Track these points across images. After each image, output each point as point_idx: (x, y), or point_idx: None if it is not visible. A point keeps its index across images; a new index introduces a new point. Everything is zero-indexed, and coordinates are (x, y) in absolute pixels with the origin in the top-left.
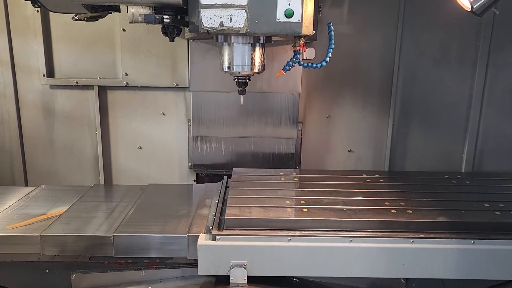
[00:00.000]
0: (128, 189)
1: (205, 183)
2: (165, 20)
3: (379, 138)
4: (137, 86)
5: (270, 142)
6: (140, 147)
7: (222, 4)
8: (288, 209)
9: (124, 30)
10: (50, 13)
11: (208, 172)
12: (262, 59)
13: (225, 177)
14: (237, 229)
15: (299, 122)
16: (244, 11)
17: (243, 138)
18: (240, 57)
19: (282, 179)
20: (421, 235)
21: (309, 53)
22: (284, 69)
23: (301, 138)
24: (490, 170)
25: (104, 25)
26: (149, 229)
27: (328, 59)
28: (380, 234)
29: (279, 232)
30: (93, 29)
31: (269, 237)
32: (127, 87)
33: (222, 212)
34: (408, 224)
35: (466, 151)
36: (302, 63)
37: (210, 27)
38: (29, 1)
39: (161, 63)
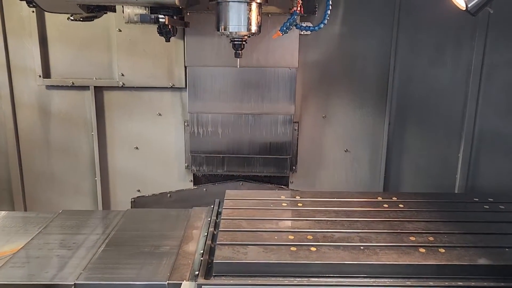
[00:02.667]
0: (102, 216)
1: (193, 208)
2: (160, 20)
3: (375, 138)
4: (133, 87)
5: (267, 119)
6: (137, 148)
7: None
8: (292, 247)
9: (120, 30)
10: (46, 13)
11: (205, 173)
12: (258, 19)
13: (216, 201)
14: (230, 276)
15: (295, 122)
16: None
17: (240, 115)
18: (236, 17)
19: (283, 204)
20: (459, 283)
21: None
22: (281, 29)
23: (298, 138)
24: (485, 169)
25: (100, 26)
26: (121, 274)
27: (325, 21)
28: (407, 283)
29: (281, 280)
30: (89, 30)
31: (270, 287)
32: (123, 88)
33: (211, 251)
34: (441, 268)
35: (462, 151)
36: (299, 25)
37: None
38: (25, 1)
39: (157, 63)
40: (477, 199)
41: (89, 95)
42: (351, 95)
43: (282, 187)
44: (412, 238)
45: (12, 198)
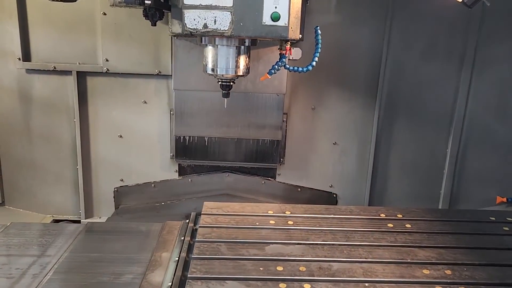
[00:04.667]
0: (59, 231)
1: (166, 222)
2: (146, 2)
3: (364, 131)
4: (118, 73)
5: (254, 143)
6: (121, 136)
7: (206, 5)
8: (281, 284)
9: (105, 14)
10: None
11: (191, 163)
12: (247, 62)
13: (193, 214)
14: None
15: (284, 114)
16: (229, 13)
17: (226, 139)
18: (224, 60)
19: (271, 221)
20: None
21: (295, 54)
22: (270, 72)
23: (286, 129)
24: (473, 165)
25: (83, 8)
26: None
27: (314, 63)
28: None
29: None
30: (72, 12)
31: None
32: (107, 74)
33: (181, 285)
34: None
35: (451, 146)
36: (288, 66)
37: (194, 29)
38: None
39: (144, 49)
40: (493, 218)
41: (71, 81)
42: (341, 87)
43: (268, 179)
44: (426, 272)
45: None
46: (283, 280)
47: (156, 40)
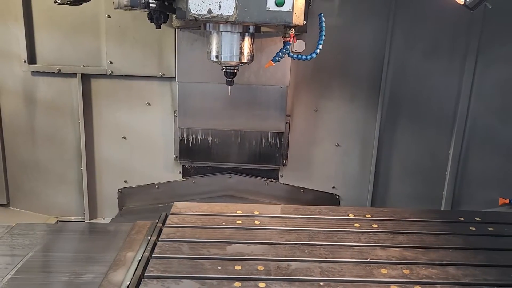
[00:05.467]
0: (26, 231)
1: (136, 222)
2: (151, 5)
3: (367, 132)
4: (122, 75)
5: (257, 135)
6: (124, 138)
7: None
8: (236, 283)
9: (109, 16)
10: None
11: (194, 165)
12: (251, 49)
13: (163, 214)
14: None
15: (287, 115)
16: None
17: (230, 131)
18: (228, 47)
19: (237, 221)
20: None
21: (299, 46)
22: (274, 59)
23: (289, 131)
24: (475, 166)
25: (88, 11)
26: None
27: (318, 50)
28: None
29: None
30: (77, 15)
31: None
32: (111, 76)
33: (139, 284)
34: None
35: (453, 147)
36: (292, 54)
37: (198, 14)
38: None
39: (147, 51)
40: (462, 219)
41: (76, 83)
42: (343, 89)
43: (271, 180)
44: (384, 271)
45: None
46: (238, 279)
47: (160, 43)
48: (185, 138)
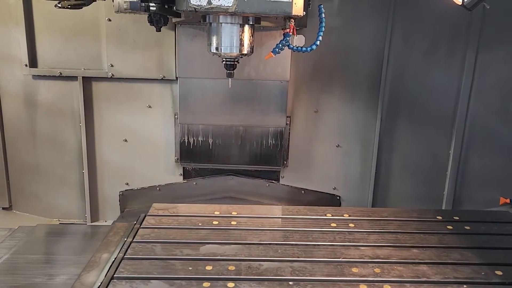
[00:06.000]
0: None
1: (115, 223)
2: (151, 8)
3: (367, 133)
4: (123, 78)
5: (257, 136)
6: (126, 140)
7: None
8: (205, 283)
9: (109, 20)
10: (33, 1)
11: (195, 166)
12: (251, 40)
13: (141, 216)
14: None
15: (287, 117)
16: None
17: (230, 126)
18: (228, 38)
19: (214, 222)
20: None
21: (299, 41)
22: (274, 51)
23: (289, 132)
24: (476, 166)
25: (88, 15)
26: None
27: (318, 42)
28: None
29: None
30: (77, 19)
31: None
32: (112, 79)
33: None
34: None
35: (453, 147)
36: (292, 46)
37: (198, 5)
38: None
39: (148, 54)
40: (440, 218)
41: (77, 86)
42: (343, 90)
43: (272, 182)
44: (355, 270)
45: None
46: (208, 279)
47: (160, 45)
48: (186, 140)
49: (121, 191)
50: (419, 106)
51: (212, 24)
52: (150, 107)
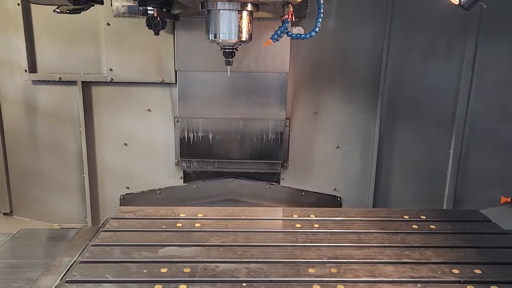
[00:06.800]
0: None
1: (82, 227)
2: (149, 12)
3: (367, 134)
4: (122, 82)
5: (257, 124)
6: (126, 144)
7: None
8: (157, 285)
9: (108, 24)
10: (32, 6)
11: (195, 169)
12: (249, 28)
13: (108, 219)
14: None
15: (286, 119)
16: None
17: (230, 120)
18: (226, 25)
19: (178, 224)
20: None
21: (297, 32)
22: (272, 38)
23: (289, 134)
24: (476, 166)
25: (87, 19)
26: None
27: (317, 29)
28: None
29: None
30: (76, 23)
31: None
32: (111, 83)
33: None
34: None
35: (453, 147)
36: (291, 33)
37: None
38: None
39: (147, 58)
40: (407, 217)
41: (76, 91)
42: (342, 91)
43: (273, 184)
44: (311, 270)
45: None
46: (160, 282)
47: (159, 49)
48: (186, 136)
49: (122, 195)
50: (418, 106)
51: (211, 11)
52: (149, 110)
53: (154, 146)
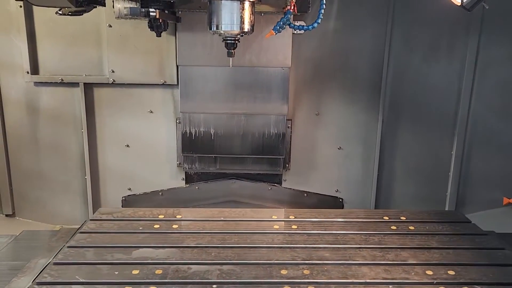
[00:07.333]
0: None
1: (61, 228)
2: (151, 13)
3: (369, 135)
4: (124, 84)
5: (259, 120)
6: (128, 146)
7: None
8: (126, 287)
9: (110, 26)
10: (34, 8)
11: (197, 171)
12: (251, 18)
13: (87, 221)
14: None
15: (288, 120)
16: None
17: (232, 115)
18: (228, 15)
19: (155, 226)
20: None
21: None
22: (274, 29)
23: (291, 135)
24: (478, 167)
25: (89, 21)
26: None
27: (319, 20)
28: None
29: None
30: (78, 25)
31: None
32: (113, 85)
33: None
34: None
35: (455, 148)
36: (293, 24)
37: None
38: None
39: (149, 60)
40: (387, 218)
41: (78, 92)
42: (344, 92)
43: (274, 185)
44: (284, 272)
45: (0, 197)
46: (130, 284)
47: (161, 51)
48: (188, 131)
49: (124, 196)
50: (420, 107)
51: (212, 2)
52: (151, 112)
53: (156, 148)
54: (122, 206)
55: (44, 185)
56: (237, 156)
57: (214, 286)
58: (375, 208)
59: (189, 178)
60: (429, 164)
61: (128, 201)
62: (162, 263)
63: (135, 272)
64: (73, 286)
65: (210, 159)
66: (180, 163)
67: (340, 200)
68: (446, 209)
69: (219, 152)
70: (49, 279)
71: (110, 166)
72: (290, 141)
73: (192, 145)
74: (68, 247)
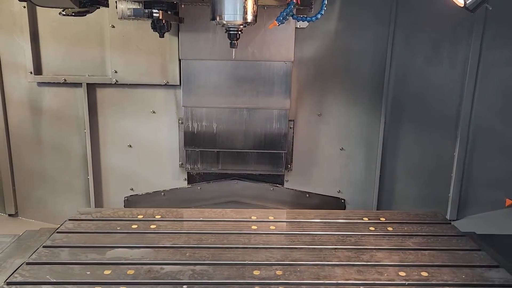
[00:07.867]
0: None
1: (41, 228)
2: (154, 14)
3: (371, 136)
4: (127, 84)
5: (262, 114)
6: (130, 146)
7: None
8: (97, 287)
9: (113, 26)
10: (38, 9)
11: (199, 171)
12: (254, 9)
13: (65, 222)
14: None
15: (290, 120)
16: None
17: (234, 110)
18: (232, 6)
19: (133, 226)
20: None
21: (301, 23)
22: (278, 19)
23: (293, 136)
24: (480, 168)
25: (92, 22)
26: None
27: (323, 11)
28: None
29: None
30: (81, 26)
31: None
32: (116, 85)
33: None
34: None
35: (458, 149)
36: (296, 16)
37: None
38: None
39: (151, 60)
40: (366, 219)
41: (81, 92)
42: (346, 93)
43: (277, 186)
44: (256, 273)
45: (3, 197)
46: (100, 284)
47: (164, 51)
48: (190, 125)
49: (126, 197)
50: (422, 108)
51: None
52: (154, 112)
53: (159, 148)
54: (124, 206)
55: (47, 185)
56: (239, 150)
57: (185, 286)
58: (377, 209)
59: (191, 179)
60: (431, 165)
61: (130, 201)
62: (135, 264)
63: (107, 272)
64: (43, 286)
65: (213, 158)
66: (182, 164)
67: (342, 201)
68: (448, 210)
69: (221, 147)
70: (19, 279)
71: (113, 166)
72: (293, 142)
73: (194, 140)
74: (44, 247)
